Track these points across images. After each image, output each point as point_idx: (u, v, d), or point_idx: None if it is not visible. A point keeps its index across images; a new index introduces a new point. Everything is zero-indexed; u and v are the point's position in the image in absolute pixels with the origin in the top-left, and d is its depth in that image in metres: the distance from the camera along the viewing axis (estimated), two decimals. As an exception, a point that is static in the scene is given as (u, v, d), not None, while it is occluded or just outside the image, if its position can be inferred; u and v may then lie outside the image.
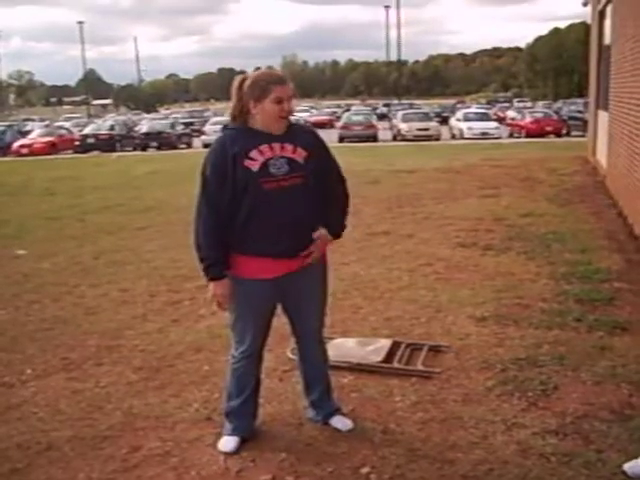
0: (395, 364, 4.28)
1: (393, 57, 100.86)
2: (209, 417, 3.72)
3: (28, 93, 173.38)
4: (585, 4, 17.80)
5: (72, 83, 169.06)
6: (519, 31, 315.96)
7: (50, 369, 4.53)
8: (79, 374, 4.43)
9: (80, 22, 75.78)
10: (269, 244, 3.09)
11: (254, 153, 3.06)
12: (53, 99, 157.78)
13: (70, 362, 4.63)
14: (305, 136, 3.22)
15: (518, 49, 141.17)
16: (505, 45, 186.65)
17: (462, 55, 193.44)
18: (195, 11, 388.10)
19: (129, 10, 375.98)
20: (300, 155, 3.12)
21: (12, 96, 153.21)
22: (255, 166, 3.04)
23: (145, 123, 37.55)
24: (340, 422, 3.52)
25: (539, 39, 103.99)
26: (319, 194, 3.19)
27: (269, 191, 3.04)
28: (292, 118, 3.27)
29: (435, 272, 6.47)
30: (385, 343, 4.55)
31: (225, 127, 3.27)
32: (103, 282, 6.68)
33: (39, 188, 15.48)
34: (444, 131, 32.44)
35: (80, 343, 4.99)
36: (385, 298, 5.72)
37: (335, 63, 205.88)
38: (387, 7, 62.38)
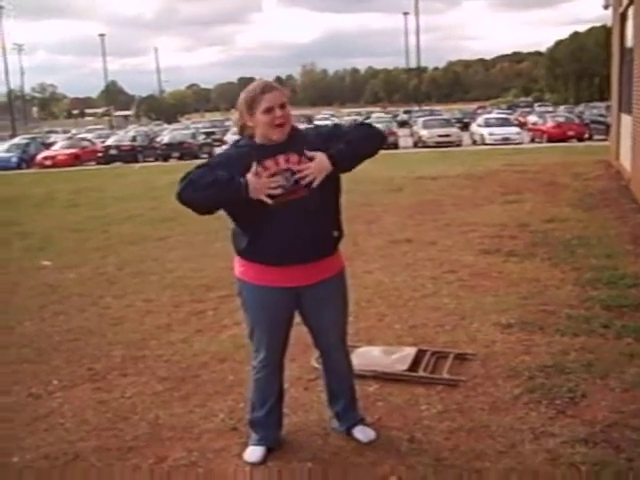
0: (421, 372, 4.25)
1: (413, 64, 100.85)
2: (234, 427, 3.72)
3: (51, 106, 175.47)
4: (606, 7, 17.67)
5: (94, 95, 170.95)
6: (539, 35, 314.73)
7: (76, 380, 4.55)
8: (104, 384, 4.45)
9: (101, 35, 76.83)
10: (278, 256, 3.05)
11: (264, 163, 3.03)
12: (75, 111, 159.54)
13: (95, 373, 4.66)
14: (309, 140, 3.10)
15: (538, 53, 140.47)
16: (525, 50, 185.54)
17: (482, 60, 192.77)
18: (217, 22, 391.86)
19: (152, 22, 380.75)
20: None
21: (35, 109, 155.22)
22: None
23: (166, 133, 37.82)
24: (362, 433, 3.49)
25: (559, 43, 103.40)
26: (331, 202, 3.16)
27: (275, 206, 2.98)
28: (302, 126, 3.26)
29: (459, 279, 6.43)
30: (410, 351, 4.53)
31: (234, 145, 3.22)
32: (128, 292, 6.72)
33: (63, 200, 15.64)
34: (465, 137, 32.33)
35: (105, 354, 5.02)
36: (409, 306, 5.70)
37: (355, 71, 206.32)
38: (406, 14, 62.67)
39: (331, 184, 3.08)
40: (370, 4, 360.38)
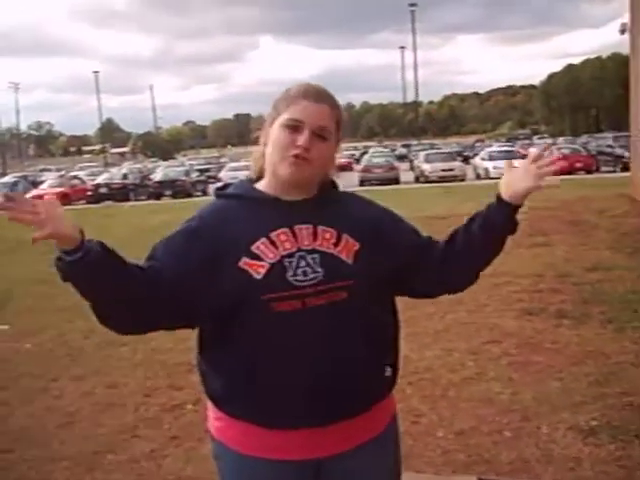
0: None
1: (409, 98, 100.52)
2: None
3: (48, 144, 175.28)
4: (622, 32, 16.65)
5: (91, 132, 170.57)
6: (533, 69, 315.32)
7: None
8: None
9: (95, 72, 76.24)
10: (284, 407, 1.66)
11: (261, 244, 1.66)
12: (72, 149, 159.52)
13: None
14: (355, 212, 1.81)
15: (532, 87, 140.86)
16: (519, 83, 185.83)
17: (476, 94, 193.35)
18: (214, 60, 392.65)
19: (149, 60, 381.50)
20: (348, 249, 1.71)
21: (32, 146, 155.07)
22: (260, 270, 1.63)
23: (159, 171, 36.61)
24: None
25: (553, 76, 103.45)
26: (386, 310, 1.82)
27: (284, 315, 1.62)
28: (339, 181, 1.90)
29: (505, 353, 5.10)
30: (468, 484, 3.20)
31: (221, 189, 1.85)
32: (89, 372, 5.37)
33: (38, 244, 14.30)
34: (468, 171, 31.19)
35: (43, 477, 3.67)
36: (449, 397, 4.36)
37: (350, 106, 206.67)
38: (402, 48, 62.14)
39: (385, 280, 1.77)
40: (367, 40, 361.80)
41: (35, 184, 35.55)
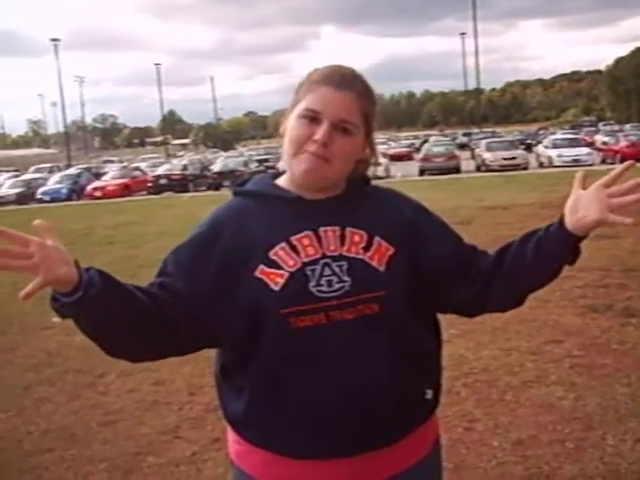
0: None
1: (470, 86, 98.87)
2: None
3: (112, 136, 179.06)
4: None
5: (154, 124, 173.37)
6: (598, 54, 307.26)
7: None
8: None
9: (157, 64, 77.28)
10: (306, 435, 1.45)
11: (280, 250, 1.45)
12: (136, 140, 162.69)
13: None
14: (390, 211, 1.57)
15: (598, 72, 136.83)
16: (584, 68, 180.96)
17: (540, 80, 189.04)
18: (275, 50, 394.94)
19: (210, 52, 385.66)
20: (381, 253, 1.48)
21: (97, 139, 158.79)
22: (278, 280, 1.42)
23: (219, 161, 36.81)
24: None
25: (620, 60, 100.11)
26: (428, 326, 1.58)
27: (306, 331, 1.41)
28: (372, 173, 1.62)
29: (568, 354, 4.80)
30: (525, 501, 2.95)
31: (240, 185, 1.62)
32: (137, 369, 5.27)
33: (100, 236, 14.50)
34: (531, 159, 30.39)
35: (82, 478, 3.58)
36: (507, 401, 4.10)
37: (411, 94, 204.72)
38: (463, 34, 61.00)
39: (427, 288, 1.54)
40: (428, 28, 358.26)
41: (98, 175, 36.24)
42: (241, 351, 1.47)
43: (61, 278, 1.24)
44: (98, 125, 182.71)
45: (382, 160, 32.31)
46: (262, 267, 1.43)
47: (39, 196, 30.37)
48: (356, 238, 1.47)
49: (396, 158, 40.48)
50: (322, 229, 1.47)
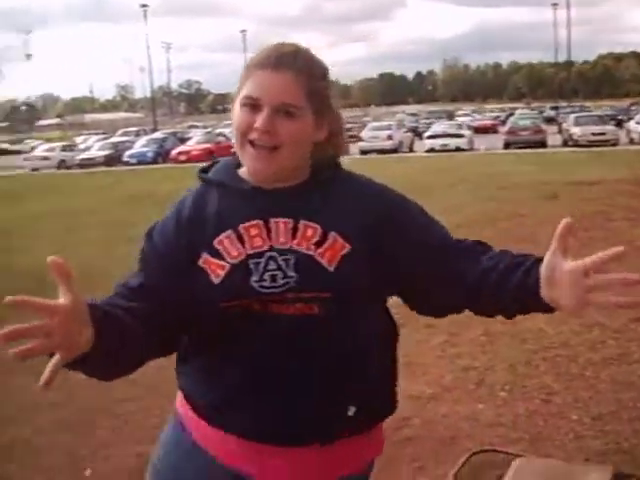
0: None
1: (560, 58, 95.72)
2: None
3: (197, 102, 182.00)
4: None
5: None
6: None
7: None
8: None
9: (243, 31, 77.80)
10: (241, 415, 1.40)
11: (225, 239, 1.39)
12: (219, 107, 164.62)
13: None
14: (355, 202, 1.45)
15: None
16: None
17: (634, 53, 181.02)
18: (360, 18, 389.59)
19: (296, 19, 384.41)
20: (333, 253, 1.37)
21: (183, 104, 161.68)
22: (219, 272, 1.37)
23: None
24: None
25: None
26: (362, 341, 1.43)
27: (244, 328, 1.38)
28: (346, 159, 1.53)
29: (653, 334, 4.70)
30: (601, 475, 2.93)
31: (204, 171, 1.53)
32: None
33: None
34: (621, 135, 29.32)
35: None
36: (587, 377, 4.05)
37: (497, 65, 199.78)
38: (555, 5, 58.90)
39: (378, 291, 1.47)
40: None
41: (183, 140, 36.97)
42: (189, 341, 1.45)
43: (81, 350, 1.10)
44: (184, 91, 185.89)
45: (466, 132, 31.86)
46: (206, 256, 1.38)
47: (126, 159, 31.39)
48: (309, 232, 1.37)
49: (480, 131, 39.82)
50: (273, 220, 1.38)
